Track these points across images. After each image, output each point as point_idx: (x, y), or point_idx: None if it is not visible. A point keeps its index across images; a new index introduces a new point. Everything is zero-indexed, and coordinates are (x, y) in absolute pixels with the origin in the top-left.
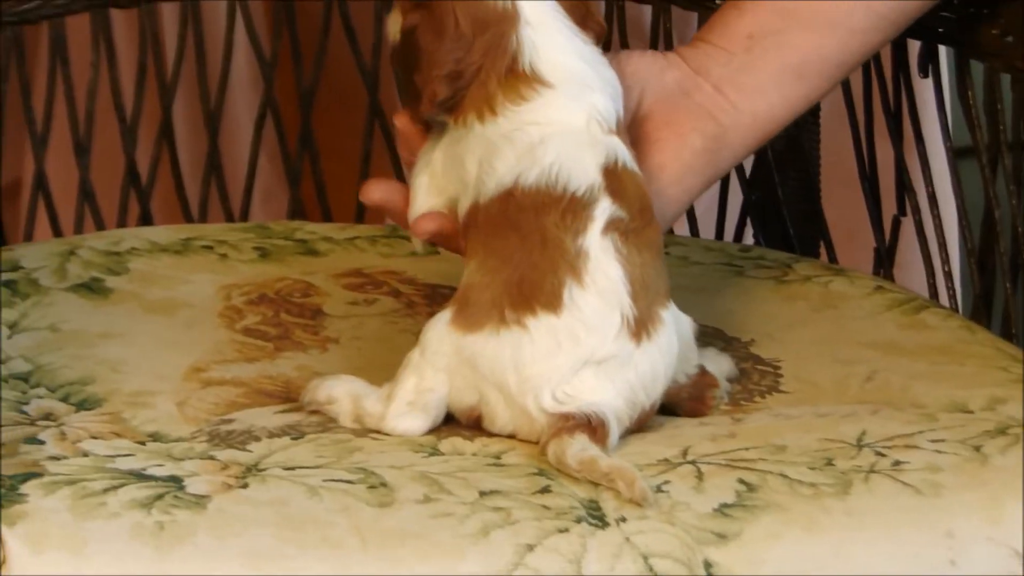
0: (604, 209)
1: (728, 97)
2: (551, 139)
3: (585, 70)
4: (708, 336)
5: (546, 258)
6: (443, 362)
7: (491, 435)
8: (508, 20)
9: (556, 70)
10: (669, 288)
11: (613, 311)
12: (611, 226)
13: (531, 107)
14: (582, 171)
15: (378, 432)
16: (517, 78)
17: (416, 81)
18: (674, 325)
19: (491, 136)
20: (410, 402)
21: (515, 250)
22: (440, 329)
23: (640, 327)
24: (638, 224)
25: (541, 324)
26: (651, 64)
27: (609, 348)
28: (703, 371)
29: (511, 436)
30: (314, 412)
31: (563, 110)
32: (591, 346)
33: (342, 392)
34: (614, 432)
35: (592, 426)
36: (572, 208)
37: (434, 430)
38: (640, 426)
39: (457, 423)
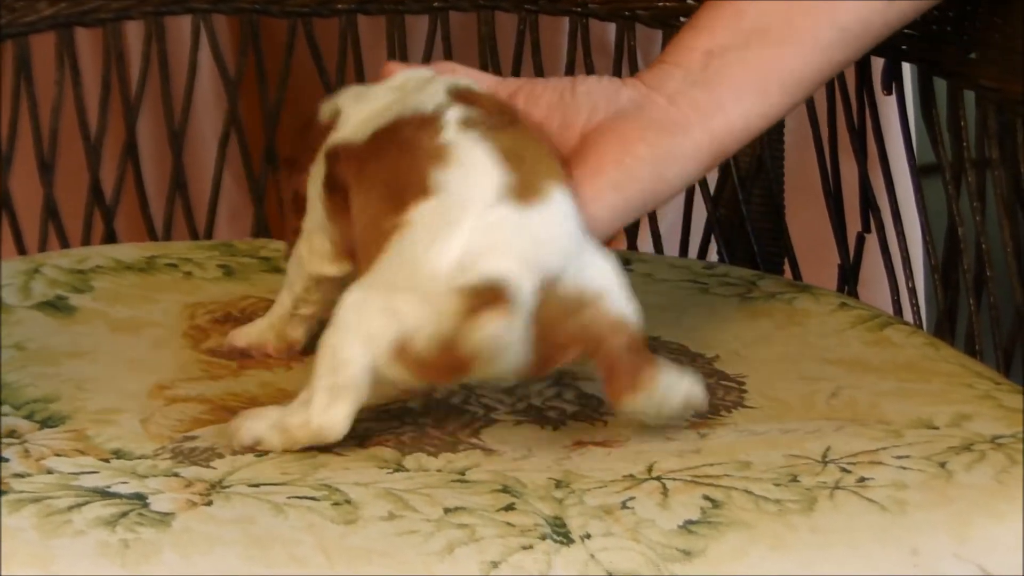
0: (455, 112)
1: (683, 111)
2: (390, 103)
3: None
4: (673, 352)
5: (405, 159)
6: (352, 318)
7: (455, 451)
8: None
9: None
10: (560, 170)
11: (487, 179)
12: (468, 123)
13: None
14: (427, 98)
15: (315, 445)
16: None
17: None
18: (570, 201)
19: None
20: (329, 387)
21: (378, 171)
22: (344, 295)
23: (524, 191)
24: (500, 120)
25: (418, 213)
26: (606, 85)
27: (496, 212)
28: (643, 348)
29: (434, 352)
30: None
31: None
32: (473, 214)
33: (263, 427)
34: (521, 294)
35: (495, 295)
36: (424, 122)
37: (398, 445)
38: (556, 307)
39: (423, 436)
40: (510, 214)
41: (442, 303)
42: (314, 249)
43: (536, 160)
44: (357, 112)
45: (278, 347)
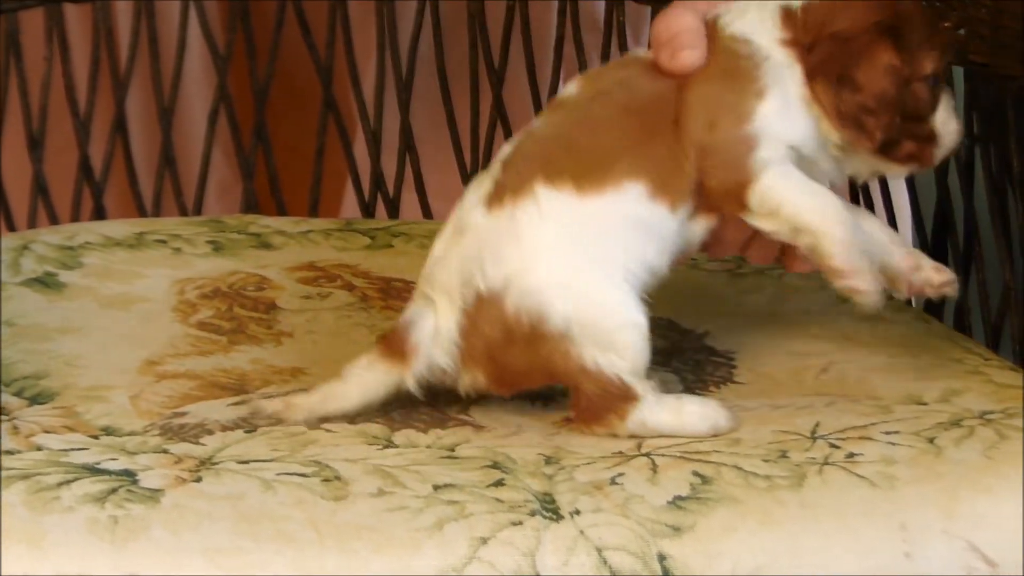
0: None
1: None
2: None
3: None
4: (662, 328)
5: None
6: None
7: (445, 427)
8: None
9: None
10: (596, 164)
11: (486, 180)
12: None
13: None
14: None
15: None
16: None
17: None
18: (559, 205)
19: None
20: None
21: None
22: None
23: (500, 195)
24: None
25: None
26: None
27: (464, 217)
28: (625, 396)
29: None
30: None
31: None
32: (455, 217)
33: None
34: (421, 345)
35: (391, 341)
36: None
37: (387, 422)
38: (498, 327)
39: (412, 412)
40: (472, 220)
41: None
42: None
43: (550, 157)
44: None
45: None
